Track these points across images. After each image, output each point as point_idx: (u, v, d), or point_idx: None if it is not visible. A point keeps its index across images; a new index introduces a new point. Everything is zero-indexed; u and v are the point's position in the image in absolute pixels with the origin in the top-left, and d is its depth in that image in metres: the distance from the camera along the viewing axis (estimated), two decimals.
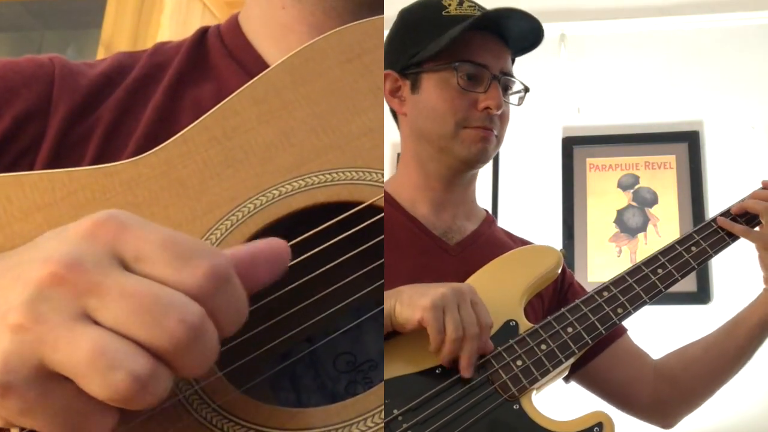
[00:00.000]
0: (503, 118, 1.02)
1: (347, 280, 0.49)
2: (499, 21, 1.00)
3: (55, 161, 0.59)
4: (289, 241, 0.48)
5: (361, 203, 0.51)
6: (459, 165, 1.02)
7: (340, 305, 0.49)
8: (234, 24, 0.70)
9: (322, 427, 0.43)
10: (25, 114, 0.60)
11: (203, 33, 0.70)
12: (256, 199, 0.51)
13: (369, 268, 0.50)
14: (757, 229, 0.98)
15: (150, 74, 0.66)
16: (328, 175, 0.52)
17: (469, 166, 1.03)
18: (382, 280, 0.50)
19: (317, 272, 0.48)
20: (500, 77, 1.00)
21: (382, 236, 0.50)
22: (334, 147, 0.53)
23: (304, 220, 0.50)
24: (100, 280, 0.35)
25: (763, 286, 1.01)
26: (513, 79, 1.03)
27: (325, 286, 0.49)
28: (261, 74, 0.56)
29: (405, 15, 1.07)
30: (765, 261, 0.98)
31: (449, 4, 1.01)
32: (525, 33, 1.01)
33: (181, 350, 0.35)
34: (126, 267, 0.37)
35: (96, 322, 0.35)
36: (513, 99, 1.05)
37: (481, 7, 1.03)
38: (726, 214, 0.99)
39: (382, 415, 0.44)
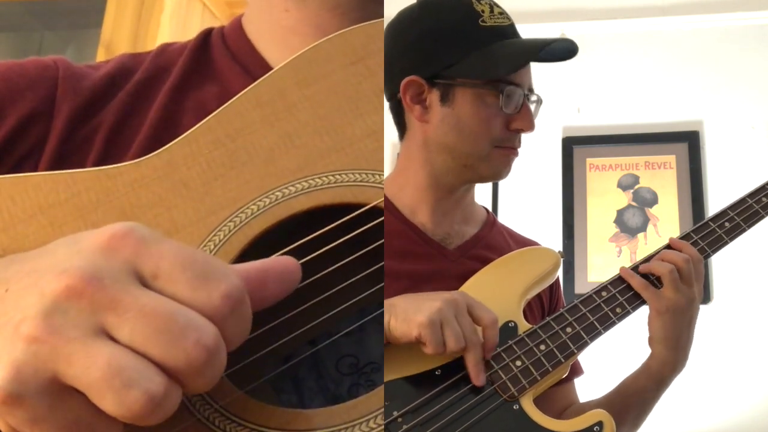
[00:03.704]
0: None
1: (350, 282, 0.49)
2: (564, 47, 0.97)
3: (59, 163, 0.59)
4: (292, 243, 0.48)
5: (365, 205, 0.51)
6: (478, 180, 1.01)
7: (342, 307, 0.49)
8: (237, 26, 0.70)
9: (324, 428, 0.43)
10: (29, 116, 0.60)
11: (207, 35, 0.70)
12: (260, 200, 0.51)
13: (370, 270, 0.50)
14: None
15: (153, 76, 0.66)
16: (331, 177, 0.52)
17: (487, 182, 1.03)
18: (382, 283, 0.50)
19: (322, 274, 0.48)
20: (528, 95, 0.98)
21: (383, 239, 0.50)
22: (337, 149, 0.53)
23: (308, 221, 0.50)
24: (119, 296, 0.35)
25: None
26: (534, 94, 1.00)
27: (328, 288, 0.49)
28: (265, 76, 0.56)
29: (432, 16, 0.98)
30: (654, 324, 0.92)
31: (482, 11, 0.96)
32: (562, 51, 0.98)
33: (196, 371, 0.36)
34: (143, 283, 0.37)
35: (112, 338, 0.35)
36: None
37: (507, 14, 0.99)
38: (635, 268, 0.94)
39: (380, 419, 0.44)
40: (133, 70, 0.66)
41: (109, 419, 0.35)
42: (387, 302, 0.81)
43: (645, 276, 0.93)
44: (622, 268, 0.94)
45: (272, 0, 0.67)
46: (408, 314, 0.78)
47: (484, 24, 0.96)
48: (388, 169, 1.05)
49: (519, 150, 0.99)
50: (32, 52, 1.98)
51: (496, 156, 0.97)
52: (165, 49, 0.69)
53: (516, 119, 0.96)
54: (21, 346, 0.34)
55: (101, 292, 0.35)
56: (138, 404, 0.34)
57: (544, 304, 1.04)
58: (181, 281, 0.37)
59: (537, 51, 0.94)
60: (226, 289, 0.37)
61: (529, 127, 0.96)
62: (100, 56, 1.82)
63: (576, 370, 1.06)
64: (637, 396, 0.95)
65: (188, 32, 1.82)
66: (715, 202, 2.02)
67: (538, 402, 0.84)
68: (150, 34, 1.87)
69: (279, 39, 0.66)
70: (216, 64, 0.67)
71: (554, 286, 1.06)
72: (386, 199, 1.02)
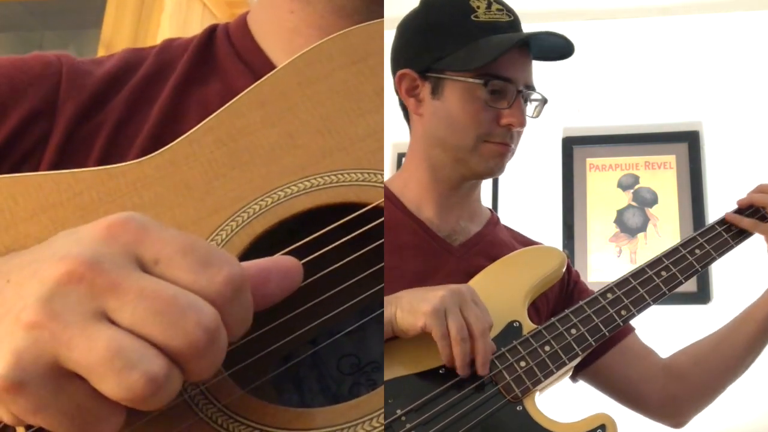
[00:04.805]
0: (521, 130, 0.99)
1: (351, 282, 0.49)
2: (547, 40, 0.97)
3: (61, 161, 0.59)
4: (294, 242, 0.48)
5: (367, 204, 0.51)
6: (472, 176, 1.01)
7: (343, 307, 0.49)
8: (242, 25, 0.70)
9: (326, 427, 0.43)
10: (32, 113, 0.60)
11: (212, 31, 0.70)
12: (262, 200, 0.51)
13: (371, 270, 0.50)
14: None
15: (156, 73, 0.66)
16: (333, 177, 0.52)
17: (481, 178, 1.02)
18: (382, 284, 0.50)
19: (323, 273, 0.48)
20: (524, 91, 0.97)
21: (383, 239, 0.50)
22: (339, 149, 0.53)
23: (310, 221, 0.50)
24: (119, 279, 0.35)
25: None
26: (534, 92, 1.00)
27: (329, 287, 0.49)
28: (266, 76, 0.56)
29: (430, 11, 1.01)
30: None
31: (478, 7, 0.97)
32: (555, 48, 0.99)
33: (196, 353, 0.36)
34: (144, 269, 0.37)
35: (112, 322, 0.35)
36: (530, 109, 1.01)
37: (509, 10, 0.99)
38: (736, 211, 0.99)
39: (382, 418, 0.44)
40: (137, 66, 0.66)
41: (112, 404, 0.35)
42: (393, 295, 0.82)
43: (744, 209, 0.99)
44: (728, 214, 0.99)
45: (277, 1, 0.67)
46: (413, 305, 0.79)
47: (476, 19, 0.96)
48: (387, 169, 1.06)
49: (514, 147, 0.99)
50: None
51: (486, 151, 0.97)
52: (169, 44, 0.69)
53: (506, 114, 0.96)
54: (21, 333, 0.34)
55: (101, 276, 0.35)
56: (139, 386, 0.34)
57: (549, 304, 1.03)
58: (182, 266, 0.37)
59: (512, 43, 0.93)
60: (227, 273, 0.37)
61: (519, 123, 0.96)
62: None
63: (627, 328, 1.08)
64: (766, 322, 1.00)
65: (188, 32, 1.81)
66: (715, 202, 2.02)
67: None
68: (150, 34, 1.86)
69: (283, 39, 0.66)
70: (220, 63, 0.67)
71: (565, 281, 1.06)
72: (393, 195, 1.03)
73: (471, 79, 0.95)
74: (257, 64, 0.66)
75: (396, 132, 1.08)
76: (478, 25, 0.96)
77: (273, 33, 0.67)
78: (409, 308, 0.79)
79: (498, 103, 0.95)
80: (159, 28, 1.87)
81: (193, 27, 1.99)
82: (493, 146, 0.97)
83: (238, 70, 0.66)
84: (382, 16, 0.60)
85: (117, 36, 1.86)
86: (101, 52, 1.83)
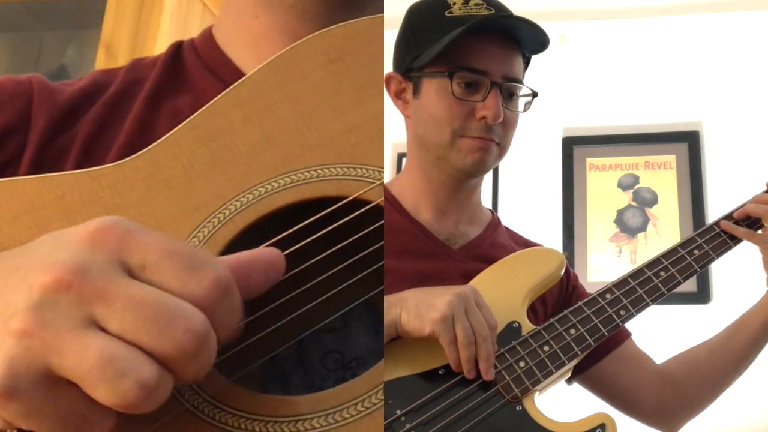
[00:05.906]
0: (507, 125, 0.98)
1: (331, 272, 0.50)
2: (500, 23, 0.96)
3: (36, 173, 0.60)
4: (276, 237, 0.49)
5: (347, 198, 0.51)
6: (457, 174, 1.00)
7: (323, 298, 0.49)
8: (208, 36, 0.71)
9: (312, 413, 0.43)
10: (5, 129, 0.62)
11: (178, 47, 0.72)
12: (243, 196, 0.52)
13: (349, 262, 0.50)
14: (759, 232, 0.98)
15: (127, 89, 0.67)
16: (313, 172, 0.53)
17: (467, 176, 1.00)
18: (374, 279, 0.50)
19: (302, 267, 0.49)
20: (502, 83, 0.95)
21: (382, 236, 0.51)
22: (318, 145, 0.54)
23: (292, 216, 0.51)
24: (107, 286, 0.36)
25: (767, 289, 1.01)
26: (517, 84, 0.98)
27: (312, 280, 0.49)
28: (244, 77, 0.57)
29: (411, 14, 1.03)
30: None
31: (454, 3, 0.96)
32: (530, 36, 0.97)
33: (187, 358, 0.36)
34: (130, 274, 0.37)
35: (102, 329, 0.35)
36: (519, 104, 1.00)
37: (494, 5, 0.97)
38: (728, 218, 0.99)
39: (380, 395, 0.44)
40: (107, 84, 0.68)
41: (103, 408, 0.36)
42: (398, 296, 0.82)
43: (741, 220, 0.98)
44: (723, 222, 0.98)
45: (241, 7, 0.68)
46: (420, 310, 0.79)
47: (450, 15, 0.96)
48: (387, 169, 1.06)
49: (501, 143, 0.98)
50: (32, 52, 1.97)
51: (463, 146, 0.96)
52: (137, 63, 0.71)
53: (480, 107, 0.95)
54: (12, 341, 0.34)
55: (89, 283, 0.35)
56: (131, 393, 0.34)
57: (548, 305, 1.03)
58: (168, 271, 0.37)
59: (459, 30, 0.92)
60: (214, 277, 0.38)
61: (493, 116, 0.94)
62: (100, 56, 1.82)
63: (623, 333, 1.08)
64: (761, 330, 1.00)
65: (188, 32, 1.82)
66: (715, 202, 2.02)
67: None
68: (150, 34, 1.86)
69: (249, 45, 0.68)
70: (189, 74, 0.69)
71: (564, 284, 1.06)
72: (393, 197, 1.03)
73: (439, 73, 0.96)
74: (225, 73, 0.67)
75: (396, 132, 1.09)
76: (451, 19, 0.95)
77: (238, 39, 0.69)
78: (416, 313, 0.79)
79: (472, 97, 0.95)
80: (159, 28, 1.87)
81: (193, 27, 1.99)
82: (470, 141, 0.96)
83: (206, 80, 0.67)
84: (344, 19, 0.61)
85: (117, 36, 1.86)
86: (101, 52, 1.83)
